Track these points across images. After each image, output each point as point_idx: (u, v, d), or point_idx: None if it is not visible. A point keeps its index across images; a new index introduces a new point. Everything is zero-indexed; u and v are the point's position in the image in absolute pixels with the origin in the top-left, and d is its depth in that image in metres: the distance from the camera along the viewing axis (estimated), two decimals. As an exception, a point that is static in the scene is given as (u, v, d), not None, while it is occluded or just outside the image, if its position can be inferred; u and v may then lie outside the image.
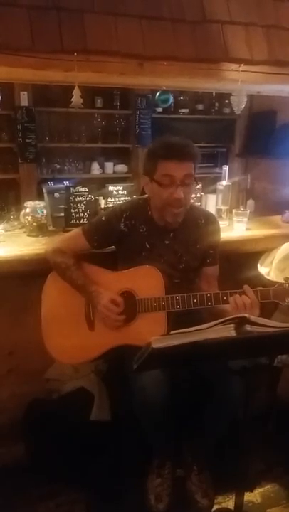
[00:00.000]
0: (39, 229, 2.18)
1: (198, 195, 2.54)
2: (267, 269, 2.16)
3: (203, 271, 1.89)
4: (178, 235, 1.81)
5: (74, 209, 2.23)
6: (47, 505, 1.81)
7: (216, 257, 1.89)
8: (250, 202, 2.97)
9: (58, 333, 1.79)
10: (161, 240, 1.80)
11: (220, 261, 1.93)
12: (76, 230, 1.87)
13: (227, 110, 4.40)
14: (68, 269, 1.76)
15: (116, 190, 2.45)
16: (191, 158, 1.68)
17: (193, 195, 2.48)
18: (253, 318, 1.21)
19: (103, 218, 1.84)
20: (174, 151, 1.65)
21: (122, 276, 1.79)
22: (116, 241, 1.83)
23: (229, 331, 1.18)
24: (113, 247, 1.87)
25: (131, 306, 1.72)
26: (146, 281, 1.73)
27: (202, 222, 1.85)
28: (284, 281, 1.64)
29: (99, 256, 1.88)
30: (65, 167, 4.12)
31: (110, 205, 2.38)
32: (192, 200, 2.42)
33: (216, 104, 4.47)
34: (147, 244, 1.79)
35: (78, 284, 1.76)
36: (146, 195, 1.82)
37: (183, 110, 4.36)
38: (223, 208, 2.51)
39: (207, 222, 1.86)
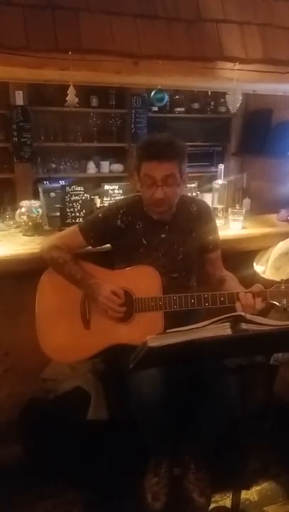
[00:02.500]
0: (35, 228, 2.17)
1: (194, 193, 2.54)
2: (263, 268, 2.16)
3: (206, 257, 1.90)
4: (174, 227, 1.82)
5: (70, 208, 2.22)
6: (45, 505, 1.81)
7: (217, 241, 1.90)
8: (246, 201, 2.97)
9: (52, 332, 1.79)
10: (157, 234, 1.81)
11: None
12: (72, 228, 1.87)
13: (223, 109, 4.40)
14: (66, 264, 1.76)
15: (112, 190, 2.45)
16: (172, 157, 1.67)
17: (189, 194, 2.49)
18: (248, 316, 1.21)
19: (100, 215, 1.84)
20: (153, 152, 1.66)
21: (119, 275, 1.79)
22: (113, 238, 1.83)
23: (225, 330, 1.18)
24: (109, 245, 1.87)
25: (128, 306, 1.71)
26: (143, 280, 1.73)
27: (194, 210, 1.86)
28: (281, 282, 1.64)
29: (95, 255, 1.88)
30: (61, 166, 4.11)
31: (106, 205, 2.38)
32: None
33: (212, 103, 4.47)
34: (144, 240, 1.80)
35: (77, 278, 1.76)
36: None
37: (178, 109, 4.36)
38: (219, 206, 2.51)
39: (199, 209, 1.88)
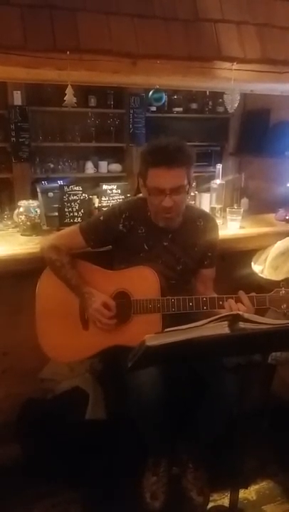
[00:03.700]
0: (33, 228, 2.17)
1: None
2: (260, 267, 2.16)
3: (200, 272, 1.88)
4: (176, 237, 1.80)
5: (68, 208, 2.22)
6: (43, 505, 1.81)
7: (214, 259, 1.89)
8: (244, 200, 2.98)
9: (52, 331, 1.79)
10: (159, 241, 1.79)
11: (214, 259, 1.94)
12: (73, 228, 1.85)
13: (221, 109, 4.40)
14: (63, 267, 1.75)
15: (110, 189, 2.45)
16: (181, 164, 1.64)
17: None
18: (246, 315, 1.21)
19: (101, 218, 1.82)
20: (162, 158, 1.62)
21: (117, 275, 1.79)
22: (113, 241, 1.82)
23: (223, 328, 1.18)
24: (110, 246, 1.86)
25: (126, 307, 1.71)
26: (141, 282, 1.72)
27: (201, 225, 1.84)
28: (280, 286, 1.63)
29: (95, 254, 1.87)
30: (59, 166, 4.11)
31: (104, 204, 2.38)
32: (187, 200, 2.45)
33: (210, 102, 4.47)
34: (145, 246, 1.78)
35: (72, 283, 1.75)
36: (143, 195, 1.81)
37: (177, 109, 4.36)
38: (217, 206, 2.51)
39: (206, 224, 1.85)
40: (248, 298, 1.61)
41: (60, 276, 1.77)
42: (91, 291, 1.72)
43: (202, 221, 1.85)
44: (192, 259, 1.83)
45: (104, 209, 2.18)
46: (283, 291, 1.60)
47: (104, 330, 1.72)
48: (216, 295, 1.81)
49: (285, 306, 1.60)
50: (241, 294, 1.61)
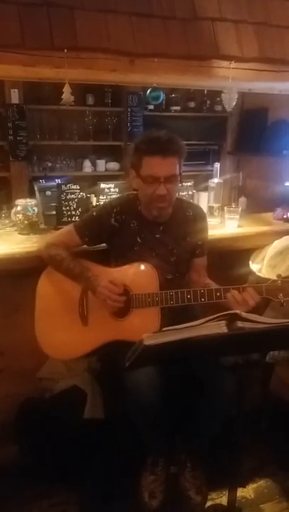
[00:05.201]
0: (30, 227, 2.17)
1: (190, 192, 2.54)
2: (258, 266, 2.16)
3: (192, 261, 1.91)
4: (168, 229, 1.82)
5: (65, 207, 2.22)
6: (41, 505, 1.81)
7: (204, 248, 1.91)
8: (242, 199, 2.98)
9: (51, 328, 1.80)
10: (151, 233, 1.81)
11: (212, 258, 1.94)
12: (68, 227, 1.88)
13: (219, 108, 4.40)
14: (64, 260, 1.78)
15: (108, 188, 2.44)
16: (175, 153, 1.69)
17: (185, 193, 2.49)
18: (244, 314, 1.21)
19: (94, 214, 1.85)
20: (156, 147, 1.66)
21: (117, 272, 1.80)
22: (107, 237, 1.84)
23: (221, 328, 1.18)
24: (104, 244, 1.87)
25: (125, 302, 1.72)
26: (140, 277, 1.74)
27: (190, 215, 1.87)
28: (276, 278, 1.65)
29: (92, 253, 1.88)
30: (57, 165, 4.10)
31: (101, 203, 2.37)
32: (185, 197, 2.46)
33: (208, 101, 4.47)
34: (138, 239, 1.80)
35: (75, 272, 1.77)
36: (136, 191, 1.82)
37: (174, 108, 4.36)
38: (215, 205, 2.51)
39: (195, 214, 1.88)
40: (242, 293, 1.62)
41: (63, 269, 1.78)
42: (95, 273, 1.75)
43: (191, 211, 1.88)
44: (184, 250, 1.85)
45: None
46: (280, 282, 1.62)
47: (104, 324, 1.73)
48: (210, 281, 1.85)
49: (281, 295, 1.61)
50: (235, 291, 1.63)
